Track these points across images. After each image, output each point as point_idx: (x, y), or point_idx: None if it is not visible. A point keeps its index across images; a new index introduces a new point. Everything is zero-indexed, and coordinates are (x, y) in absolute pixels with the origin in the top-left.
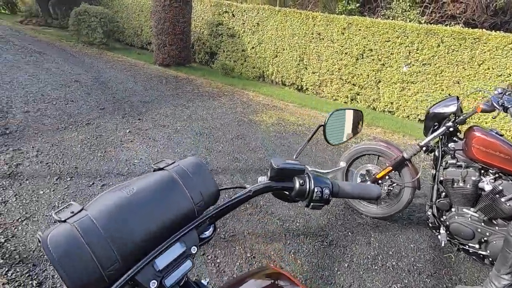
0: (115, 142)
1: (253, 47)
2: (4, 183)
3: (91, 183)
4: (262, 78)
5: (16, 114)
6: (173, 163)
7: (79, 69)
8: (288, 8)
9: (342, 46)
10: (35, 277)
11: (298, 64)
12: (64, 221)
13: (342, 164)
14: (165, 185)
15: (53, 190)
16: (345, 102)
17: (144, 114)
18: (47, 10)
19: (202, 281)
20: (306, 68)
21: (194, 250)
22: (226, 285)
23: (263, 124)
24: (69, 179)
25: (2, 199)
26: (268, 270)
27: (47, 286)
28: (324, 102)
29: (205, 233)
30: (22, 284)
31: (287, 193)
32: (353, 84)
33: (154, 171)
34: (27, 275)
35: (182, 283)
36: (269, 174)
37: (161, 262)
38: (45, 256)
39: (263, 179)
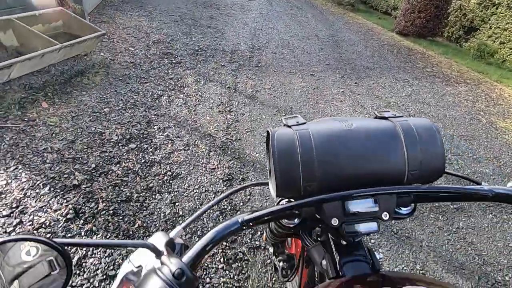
0: (327, 97)
1: None
2: (246, 101)
3: None
4: None
5: (267, 53)
6: (400, 116)
7: (321, 26)
8: None
9: None
10: (243, 173)
11: None
12: (290, 126)
13: None
14: (384, 134)
15: (270, 119)
16: None
17: (362, 79)
18: None
19: (376, 253)
20: None
21: (385, 216)
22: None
23: (509, 134)
24: (283, 114)
25: (241, 112)
26: None
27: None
28: None
29: (403, 209)
30: (236, 172)
31: None
32: None
33: (375, 117)
34: (239, 169)
35: (356, 241)
36: None
37: (352, 206)
38: (243, 150)
39: None
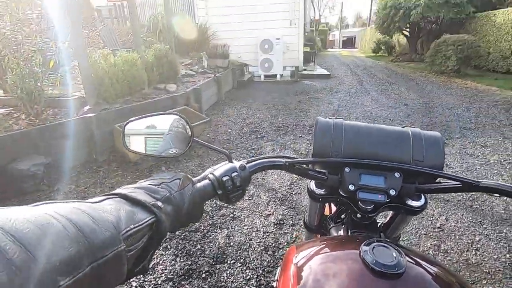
0: None
1: None
2: None
3: None
4: None
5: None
6: (415, 128)
7: (414, 95)
8: None
9: None
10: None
11: None
12: (330, 119)
13: None
14: (397, 132)
15: None
16: None
17: (454, 140)
18: (414, 48)
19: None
20: None
21: (392, 192)
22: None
23: None
24: None
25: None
26: None
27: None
28: None
29: (413, 201)
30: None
31: None
32: None
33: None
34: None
35: (371, 219)
36: None
37: (365, 179)
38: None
39: None
